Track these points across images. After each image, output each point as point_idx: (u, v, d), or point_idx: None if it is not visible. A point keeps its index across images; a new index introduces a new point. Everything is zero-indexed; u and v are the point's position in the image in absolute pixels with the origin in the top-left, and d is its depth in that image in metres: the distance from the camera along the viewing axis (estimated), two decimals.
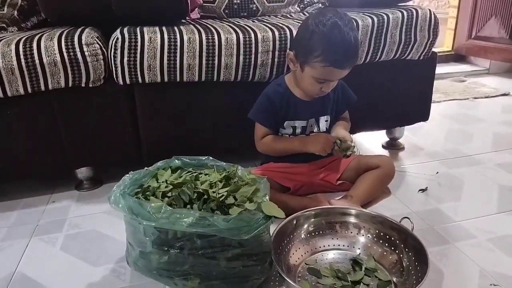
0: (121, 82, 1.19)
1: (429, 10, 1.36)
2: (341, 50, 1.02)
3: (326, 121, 1.21)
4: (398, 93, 1.44)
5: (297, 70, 1.12)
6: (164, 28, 1.18)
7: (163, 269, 0.81)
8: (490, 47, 2.60)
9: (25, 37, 1.13)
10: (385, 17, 1.30)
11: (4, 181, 1.29)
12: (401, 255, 0.91)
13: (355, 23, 1.09)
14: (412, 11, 1.33)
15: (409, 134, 1.62)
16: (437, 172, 1.37)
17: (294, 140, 1.19)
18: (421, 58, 1.41)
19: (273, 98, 1.16)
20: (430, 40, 1.37)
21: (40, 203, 1.28)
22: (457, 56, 2.91)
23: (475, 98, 2.21)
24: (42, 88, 1.14)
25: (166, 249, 0.79)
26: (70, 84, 1.15)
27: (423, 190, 1.26)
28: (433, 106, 1.58)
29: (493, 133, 1.71)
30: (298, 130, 1.19)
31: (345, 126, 1.22)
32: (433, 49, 1.43)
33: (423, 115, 1.54)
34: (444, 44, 2.97)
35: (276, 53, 1.21)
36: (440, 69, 2.56)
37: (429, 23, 1.34)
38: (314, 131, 1.19)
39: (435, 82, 1.53)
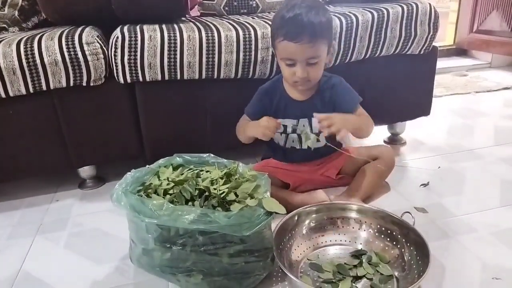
0: (122, 80, 1.19)
1: (429, 4, 1.35)
2: (290, 22, 1.02)
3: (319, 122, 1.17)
4: (399, 88, 1.44)
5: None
6: (164, 26, 1.18)
7: (166, 265, 0.81)
8: (492, 40, 2.59)
9: (26, 37, 1.14)
10: (385, 11, 1.29)
11: (7, 180, 1.30)
12: (403, 250, 0.91)
13: (324, 8, 1.07)
14: (412, 5, 1.32)
15: (410, 129, 1.62)
16: (439, 167, 1.37)
17: (246, 123, 1.17)
18: (421, 52, 1.41)
19: (264, 92, 1.18)
20: (430, 34, 1.37)
21: (44, 202, 1.29)
22: (459, 50, 2.90)
23: (477, 92, 2.21)
24: (44, 87, 1.15)
25: (168, 246, 0.79)
26: (71, 83, 1.16)
27: (425, 185, 1.26)
28: (435, 101, 1.58)
29: (495, 127, 1.70)
30: (289, 130, 1.16)
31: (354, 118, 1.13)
32: (434, 43, 1.42)
33: (425, 110, 1.54)
34: (445, 38, 2.96)
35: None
36: (441, 63, 2.55)
37: (429, 17, 1.34)
38: (307, 131, 1.15)
39: (437, 77, 1.53)
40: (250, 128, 1.13)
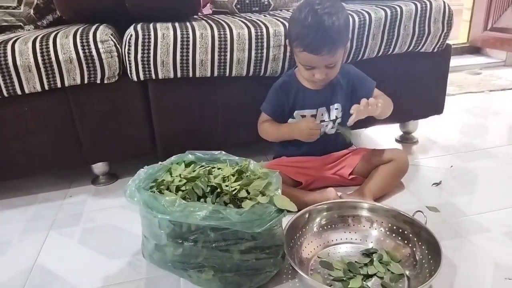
0: (135, 78, 1.20)
1: (443, 1, 1.34)
2: (311, 34, 1.01)
3: (337, 109, 1.20)
4: (412, 86, 1.43)
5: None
6: (176, 24, 1.19)
7: (178, 261, 0.82)
8: (506, 38, 2.54)
9: (42, 35, 1.15)
10: (399, 9, 1.28)
11: (22, 176, 1.32)
12: (414, 249, 0.91)
13: (343, 11, 1.05)
14: (426, 3, 1.31)
15: (423, 127, 1.60)
16: (452, 166, 1.36)
17: (283, 127, 1.19)
18: (435, 50, 1.39)
19: (280, 88, 1.19)
20: (444, 32, 1.35)
21: (58, 198, 1.31)
22: (473, 48, 2.86)
23: (491, 90, 2.18)
24: (59, 84, 1.16)
25: (180, 241, 0.80)
26: (85, 81, 1.17)
27: (437, 184, 1.25)
28: (448, 99, 1.56)
29: (508, 126, 1.68)
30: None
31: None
32: (448, 41, 1.41)
33: (438, 108, 1.53)
34: (459, 36, 2.92)
35: (288, 47, 1.21)
36: (455, 61, 2.51)
37: (443, 15, 1.33)
38: (325, 119, 1.19)
39: (450, 75, 1.51)
40: (290, 133, 1.17)
